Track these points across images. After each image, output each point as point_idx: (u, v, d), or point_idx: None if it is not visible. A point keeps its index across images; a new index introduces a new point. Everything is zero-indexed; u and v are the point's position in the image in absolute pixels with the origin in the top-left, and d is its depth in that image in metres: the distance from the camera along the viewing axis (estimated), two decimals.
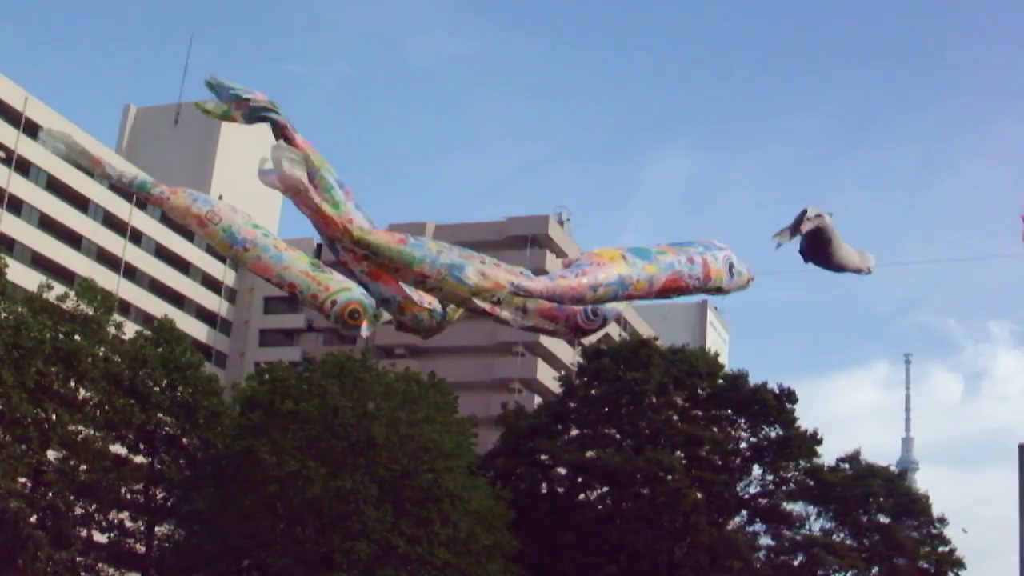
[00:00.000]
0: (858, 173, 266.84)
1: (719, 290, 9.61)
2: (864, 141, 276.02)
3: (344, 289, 9.95)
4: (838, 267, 10.73)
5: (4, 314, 39.65)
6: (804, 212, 9.96)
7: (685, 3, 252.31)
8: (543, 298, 8.42)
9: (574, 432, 57.15)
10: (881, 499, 57.74)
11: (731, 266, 9.67)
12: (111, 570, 46.22)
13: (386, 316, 10.23)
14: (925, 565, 59.04)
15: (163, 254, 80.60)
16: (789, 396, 56.26)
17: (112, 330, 44.52)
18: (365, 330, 10.10)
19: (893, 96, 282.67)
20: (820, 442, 56.70)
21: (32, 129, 71.70)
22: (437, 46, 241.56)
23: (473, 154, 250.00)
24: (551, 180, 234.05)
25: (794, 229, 9.93)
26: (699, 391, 56.74)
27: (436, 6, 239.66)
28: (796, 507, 58.16)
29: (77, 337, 41.66)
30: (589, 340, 79.18)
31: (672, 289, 9.18)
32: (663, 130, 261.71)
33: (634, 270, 8.82)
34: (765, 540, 58.15)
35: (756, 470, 57.53)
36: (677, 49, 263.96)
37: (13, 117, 70.21)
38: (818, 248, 10.38)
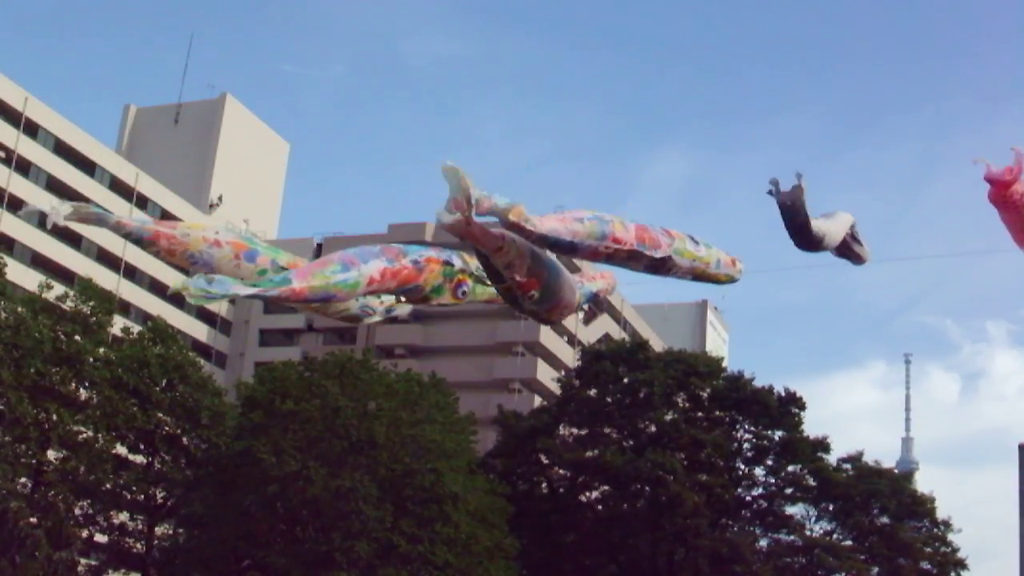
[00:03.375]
0: (855, 173, 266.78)
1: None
2: (861, 141, 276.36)
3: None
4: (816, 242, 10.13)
5: (4, 314, 39.61)
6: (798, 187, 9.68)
7: (682, 3, 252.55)
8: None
9: (574, 432, 57.10)
10: (885, 500, 57.56)
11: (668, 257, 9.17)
12: (111, 570, 46.22)
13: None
14: (927, 566, 58.95)
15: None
16: (795, 401, 56.09)
17: (117, 331, 44.55)
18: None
19: (890, 96, 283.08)
20: (828, 449, 56.66)
21: (32, 129, 71.74)
22: (433, 47, 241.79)
23: (471, 154, 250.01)
24: (549, 180, 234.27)
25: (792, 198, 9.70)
26: (700, 393, 56.65)
27: (432, 7, 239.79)
28: (797, 509, 58.09)
29: (77, 337, 41.62)
30: (589, 341, 79.24)
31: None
32: (660, 130, 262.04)
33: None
34: (766, 542, 58.07)
35: (758, 472, 57.45)
36: (674, 49, 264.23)
37: (13, 117, 70.19)
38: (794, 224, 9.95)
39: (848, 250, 10.68)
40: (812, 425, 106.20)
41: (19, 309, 40.10)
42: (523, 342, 78.32)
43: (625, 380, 55.58)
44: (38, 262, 68.60)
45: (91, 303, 42.64)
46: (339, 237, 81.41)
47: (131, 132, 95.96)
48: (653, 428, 55.05)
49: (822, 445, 56.34)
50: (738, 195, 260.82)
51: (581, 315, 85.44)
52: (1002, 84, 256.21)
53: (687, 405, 56.59)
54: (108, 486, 43.05)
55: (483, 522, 43.99)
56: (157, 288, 79.08)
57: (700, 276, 9.49)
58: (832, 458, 58.05)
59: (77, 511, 42.78)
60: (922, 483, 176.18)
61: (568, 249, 8.71)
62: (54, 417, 40.40)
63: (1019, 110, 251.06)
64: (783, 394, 55.96)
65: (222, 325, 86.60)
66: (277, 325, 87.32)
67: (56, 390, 40.95)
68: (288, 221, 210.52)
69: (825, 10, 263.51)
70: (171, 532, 46.57)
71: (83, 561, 44.82)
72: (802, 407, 56.13)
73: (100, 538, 46.12)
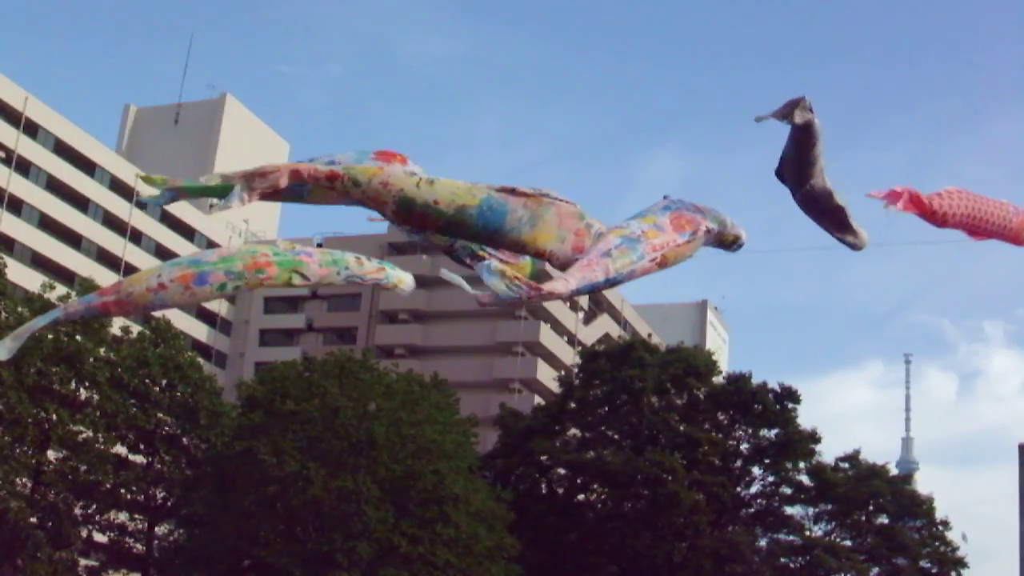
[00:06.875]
0: (851, 174, 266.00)
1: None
2: (857, 142, 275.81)
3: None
4: (811, 194, 9.43)
5: (4, 314, 39.61)
6: (802, 98, 8.66)
7: (678, 4, 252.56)
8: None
9: (573, 433, 57.05)
10: (883, 500, 57.51)
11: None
12: (111, 570, 46.23)
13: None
14: (927, 565, 58.90)
15: (163, 254, 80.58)
16: (791, 396, 55.98)
17: (117, 331, 44.55)
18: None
19: (886, 97, 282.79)
20: (818, 441, 56.54)
21: (32, 129, 71.75)
22: (429, 47, 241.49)
23: (468, 155, 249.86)
24: (545, 181, 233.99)
25: (784, 113, 8.73)
26: (696, 392, 56.57)
27: (428, 7, 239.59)
28: (796, 509, 58.00)
29: (78, 337, 41.65)
30: (589, 341, 79.17)
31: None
32: (657, 131, 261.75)
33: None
34: (765, 541, 58.00)
35: (756, 471, 57.37)
36: (670, 50, 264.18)
37: (13, 117, 70.18)
38: (800, 158, 9.13)
39: (844, 223, 10.06)
40: (811, 425, 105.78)
41: (19, 309, 40.11)
42: (523, 342, 78.29)
43: (624, 378, 55.45)
44: (38, 262, 68.60)
45: None
46: (339, 237, 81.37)
47: (131, 132, 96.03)
48: (651, 427, 54.98)
49: (813, 437, 56.16)
50: (735, 195, 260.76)
51: (581, 315, 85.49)
52: (996, 85, 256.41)
53: (685, 404, 56.51)
54: (108, 486, 43.06)
55: (484, 523, 43.98)
56: None
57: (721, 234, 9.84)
58: (829, 457, 58.06)
59: (77, 511, 42.80)
60: (922, 483, 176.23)
61: (613, 285, 8.88)
62: (54, 417, 40.44)
63: (1013, 111, 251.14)
64: (778, 390, 55.93)
65: (222, 325, 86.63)
66: (277, 325, 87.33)
67: (56, 390, 40.98)
68: (288, 221, 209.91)
69: (823, 10, 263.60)
70: (171, 532, 46.58)
71: (83, 561, 44.85)
72: (797, 401, 56.02)
73: (100, 538, 46.12)
